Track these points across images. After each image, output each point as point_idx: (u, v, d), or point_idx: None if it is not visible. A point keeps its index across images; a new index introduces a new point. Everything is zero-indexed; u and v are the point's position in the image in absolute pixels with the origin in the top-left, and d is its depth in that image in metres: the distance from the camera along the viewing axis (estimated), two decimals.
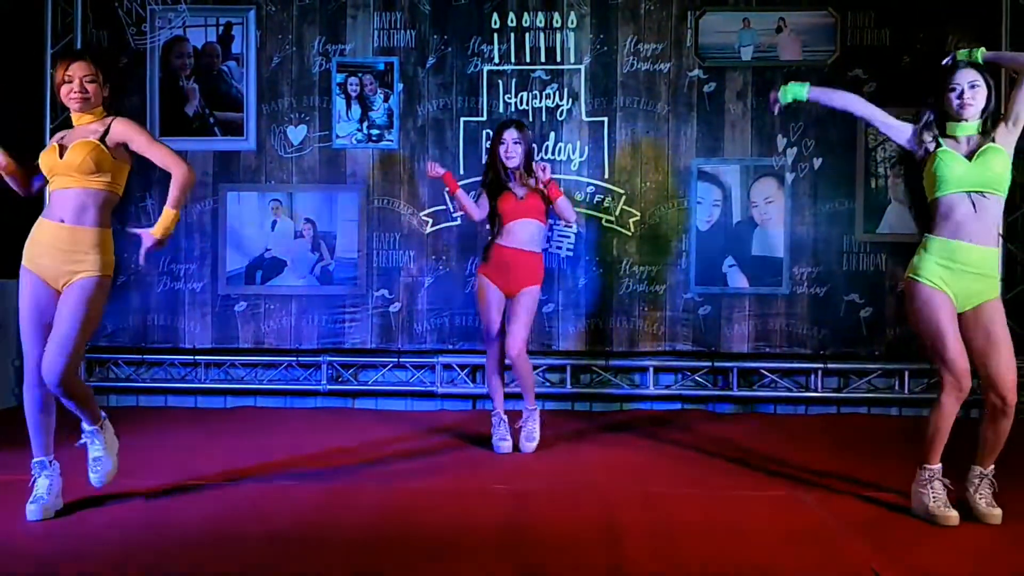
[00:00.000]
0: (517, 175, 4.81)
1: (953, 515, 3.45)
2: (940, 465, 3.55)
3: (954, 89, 3.49)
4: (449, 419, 5.73)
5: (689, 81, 5.96)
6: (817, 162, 5.85)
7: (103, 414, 3.61)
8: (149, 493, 3.76)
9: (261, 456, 4.54)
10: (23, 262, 3.45)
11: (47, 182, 3.53)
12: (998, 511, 3.48)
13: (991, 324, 3.47)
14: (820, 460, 4.48)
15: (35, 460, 3.54)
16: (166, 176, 3.56)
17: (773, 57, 5.93)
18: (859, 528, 3.42)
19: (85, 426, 3.56)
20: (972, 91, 3.48)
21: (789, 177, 5.92)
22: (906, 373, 5.89)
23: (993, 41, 5.80)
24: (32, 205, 3.77)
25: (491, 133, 5.88)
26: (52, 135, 5.83)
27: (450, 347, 6.04)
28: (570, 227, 5.89)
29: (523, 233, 4.77)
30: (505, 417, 4.82)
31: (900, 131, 3.62)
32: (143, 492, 3.75)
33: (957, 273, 3.46)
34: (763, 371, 6.00)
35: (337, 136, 6.07)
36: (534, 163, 4.84)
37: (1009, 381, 3.44)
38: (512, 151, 4.77)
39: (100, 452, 3.54)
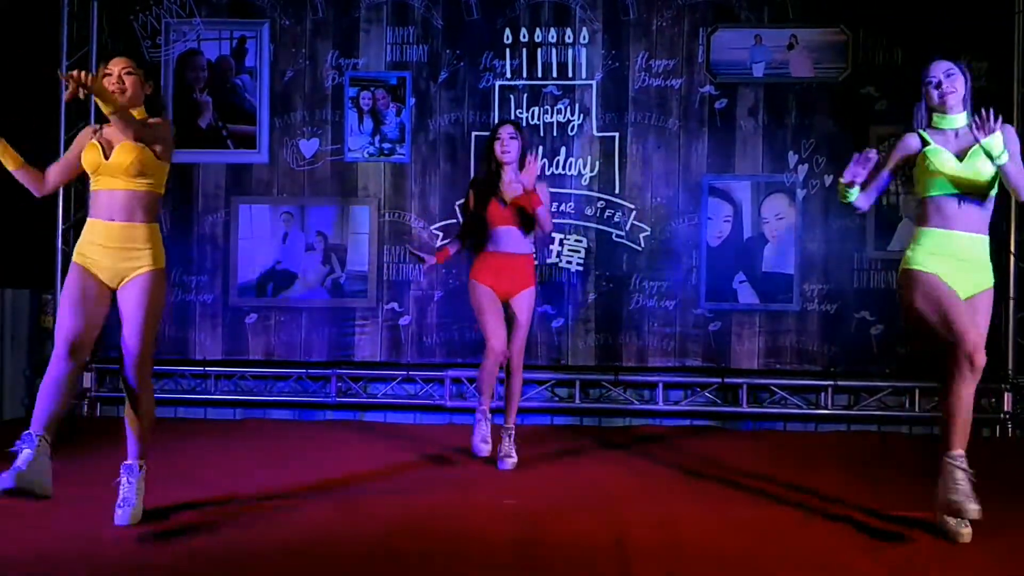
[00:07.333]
0: (510, 173, 4.68)
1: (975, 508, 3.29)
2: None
3: (931, 82, 3.53)
4: (458, 433, 5.70)
5: (701, 97, 5.97)
6: (828, 179, 5.84)
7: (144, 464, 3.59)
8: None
9: (270, 469, 4.54)
10: (75, 258, 3.46)
11: (63, 179, 3.57)
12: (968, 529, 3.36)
13: (980, 314, 3.48)
14: (830, 478, 4.45)
15: (26, 432, 3.26)
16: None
17: (785, 74, 5.94)
18: (872, 550, 3.38)
19: (128, 460, 3.55)
20: (949, 80, 3.49)
21: (800, 194, 5.91)
22: (916, 391, 5.85)
23: (1005, 60, 5.82)
24: (36, 214, 3.76)
25: None
26: (66, 139, 5.99)
27: (460, 361, 6.03)
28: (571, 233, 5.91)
29: (508, 238, 4.70)
30: (489, 416, 4.71)
31: (906, 151, 3.60)
32: (150, 506, 3.75)
33: (950, 262, 3.45)
34: (773, 388, 5.98)
35: (349, 150, 6.09)
36: (528, 156, 4.66)
37: (979, 338, 3.39)
38: (508, 146, 4.68)
39: (130, 493, 3.52)
